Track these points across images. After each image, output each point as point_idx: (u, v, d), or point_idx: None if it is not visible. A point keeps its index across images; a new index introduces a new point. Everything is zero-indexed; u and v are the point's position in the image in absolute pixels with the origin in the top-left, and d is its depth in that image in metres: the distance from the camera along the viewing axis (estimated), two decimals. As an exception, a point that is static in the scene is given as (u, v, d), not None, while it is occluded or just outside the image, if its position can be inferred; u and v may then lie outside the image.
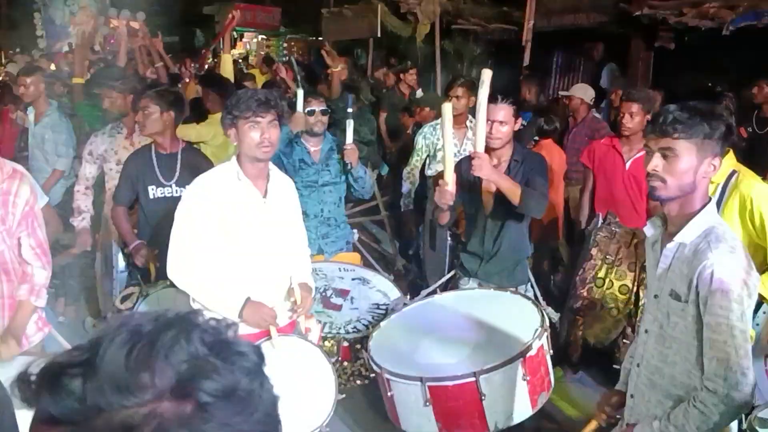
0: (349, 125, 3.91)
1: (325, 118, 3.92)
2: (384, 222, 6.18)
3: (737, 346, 1.79)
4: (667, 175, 1.87)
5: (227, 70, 5.37)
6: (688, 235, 1.92)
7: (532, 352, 2.55)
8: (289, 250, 2.84)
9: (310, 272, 2.94)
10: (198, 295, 2.66)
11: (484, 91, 2.98)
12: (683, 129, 1.84)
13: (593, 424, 2.31)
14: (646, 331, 2.08)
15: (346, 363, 3.26)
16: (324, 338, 3.27)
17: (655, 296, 2.03)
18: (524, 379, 2.52)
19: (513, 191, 3.04)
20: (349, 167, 3.88)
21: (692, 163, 1.86)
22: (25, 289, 2.61)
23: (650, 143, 1.91)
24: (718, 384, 1.80)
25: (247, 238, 2.65)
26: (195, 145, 4.25)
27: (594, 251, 4.04)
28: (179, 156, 3.59)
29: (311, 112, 3.87)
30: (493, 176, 3.04)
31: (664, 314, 1.99)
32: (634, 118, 4.10)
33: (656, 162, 1.88)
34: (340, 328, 3.36)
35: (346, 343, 3.27)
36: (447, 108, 3.00)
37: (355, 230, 4.30)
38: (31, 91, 4.99)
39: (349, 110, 3.97)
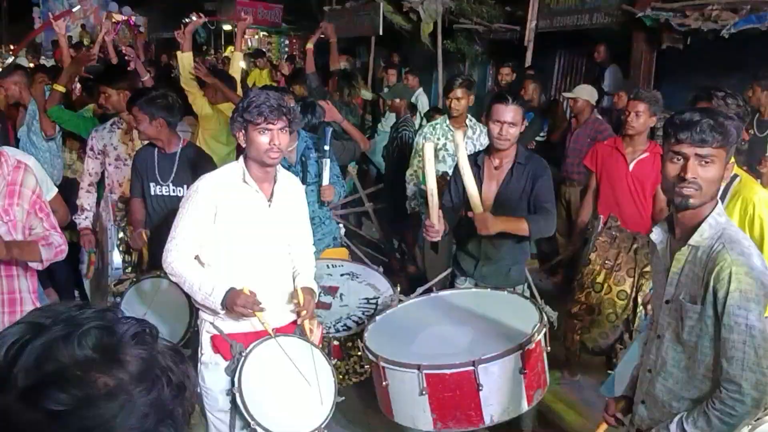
0: (326, 165, 3.82)
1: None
2: (369, 213, 6.16)
3: (756, 346, 1.81)
4: (703, 182, 1.90)
5: (236, 69, 5.37)
6: (701, 237, 1.93)
7: (530, 346, 2.54)
8: (291, 253, 2.82)
9: (313, 273, 2.92)
10: (186, 287, 2.64)
11: (462, 154, 3.09)
12: (722, 137, 1.87)
13: (603, 427, 2.31)
14: (658, 337, 2.07)
15: (338, 362, 3.24)
16: None
17: (667, 301, 2.02)
18: (521, 373, 2.50)
19: (521, 229, 3.11)
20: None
21: (722, 169, 1.92)
22: (40, 235, 2.59)
23: (685, 150, 1.89)
24: (738, 385, 1.82)
25: (249, 240, 2.63)
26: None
27: (593, 256, 4.03)
28: (177, 156, 3.64)
29: None
30: (499, 228, 3.08)
31: (677, 318, 1.99)
32: (640, 117, 4.07)
33: (696, 170, 1.89)
34: (330, 327, 3.32)
35: (336, 342, 3.25)
36: (428, 147, 3.00)
37: (341, 224, 4.27)
38: (13, 91, 4.93)
39: (326, 147, 3.83)
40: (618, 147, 4.30)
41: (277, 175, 2.69)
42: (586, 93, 5.78)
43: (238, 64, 5.40)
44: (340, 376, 3.25)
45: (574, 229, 4.86)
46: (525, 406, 2.59)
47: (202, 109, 4.99)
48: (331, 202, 3.94)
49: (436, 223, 3.03)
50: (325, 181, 3.83)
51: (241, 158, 2.68)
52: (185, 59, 5.00)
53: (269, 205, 2.65)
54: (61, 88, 4.87)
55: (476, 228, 3.07)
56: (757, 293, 1.81)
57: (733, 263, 1.83)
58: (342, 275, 3.76)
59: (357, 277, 3.75)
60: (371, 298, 3.55)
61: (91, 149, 4.32)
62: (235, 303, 2.55)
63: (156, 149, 3.66)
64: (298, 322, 2.73)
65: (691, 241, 1.94)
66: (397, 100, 5.82)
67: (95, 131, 4.36)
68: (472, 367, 2.42)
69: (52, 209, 3.09)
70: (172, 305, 3.19)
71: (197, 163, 3.60)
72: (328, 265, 3.79)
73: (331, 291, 3.63)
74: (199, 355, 2.74)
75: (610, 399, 2.32)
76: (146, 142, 3.89)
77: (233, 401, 2.55)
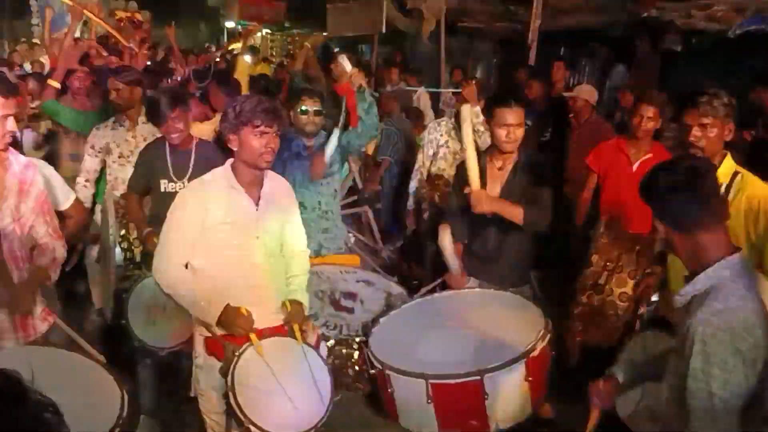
0: (334, 134, 3.80)
1: (318, 119, 3.83)
2: (366, 213, 6.16)
3: (715, 418, 1.64)
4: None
5: (241, 71, 5.30)
6: (692, 288, 1.80)
7: (535, 353, 2.54)
8: (284, 254, 2.81)
9: (305, 279, 2.89)
10: (180, 299, 2.64)
11: (467, 127, 3.07)
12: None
13: (595, 414, 2.26)
14: None
15: (365, 366, 3.16)
16: (342, 340, 3.24)
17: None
18: (526, 380, 2.51)
19: (515, 215, 3.13)
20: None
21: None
22: (47, 259, 2.61)
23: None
24: None
25: (238, 244, 2.62)
26: None
27: (595, 258, 4.01)
28: (193, 152, 3.57)
29: (304, 112, 3.79)
30: (494, 207, 3.11)
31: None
32: (651, 121, 4.06)
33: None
34: (358, 330, 3.29)
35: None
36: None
37: (350, 233, 4.24)
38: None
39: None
40: (621, 147, 4.28)
41: (264, 178, 2.68)
42: (585, 92, 5.74)
43: (243, 67, 5.32)
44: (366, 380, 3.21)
45: (575, 230, 4.86)
46: (530, 412, 2.60)
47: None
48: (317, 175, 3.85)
49: (458, 272, 3.18)
50: (328, 154, 3.76)
51: (227, 163, 2.66)
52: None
53: (257, 209, 2.64)
54: (55, 84, 4.85)
55: (471, 204, 3.09)
56: (724, 358, 1.63)
57: (701, 322, 1.67)
58: (357, 282, 3.72)
59: (373, 285, 3.71)
60: (389, 306, 3.49)
61: (92, 147, 4.30)
62: (234, 323, 2.56)
63: (167, 145, 3.57)
64: (285, 328, 2.72)
65: (681, 291, 1.82)
66: (391, 101, 5.90)
67: (96, 129, 4.34)
68: (478, 377, 2.42)
69: (69, 215, 3.09)
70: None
71: (214, 160, 3.46)
72: (341, 271, 3.75)
73: (351, 296, 3.60)
74: (194, 357, 2.74)
75: (594, 383, 2.24)
76: (148, 138, 3.82)
77: (228, 402, 2.54)
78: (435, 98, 8.60)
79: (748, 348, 1.64)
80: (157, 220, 3.50)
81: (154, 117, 3.52)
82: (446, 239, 3.08)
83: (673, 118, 3.67)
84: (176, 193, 3.41)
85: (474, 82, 4.74)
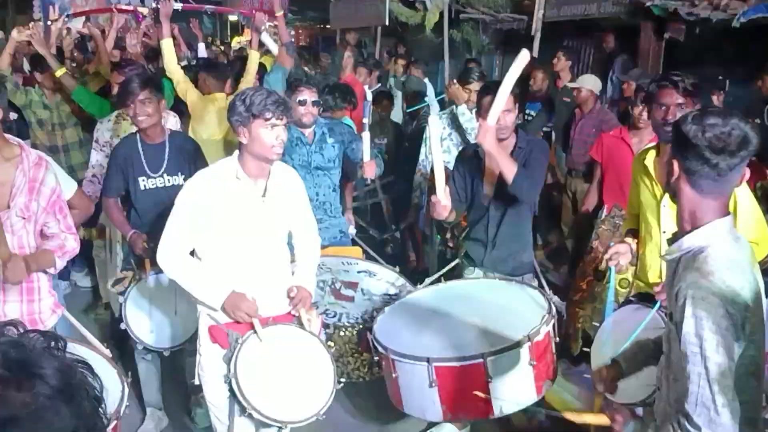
0: (366, 138, 3.74)
1: (316, 110, 3.80)
2: (381, 204, 6.17)
3: (711, 380, 1.62)
4: None
5: (251, 69, 5.24)
6: (678, 248, 1.79)
7: (539, 337, 2.55)
8: (295, 242, 2.83)
9: (314, 267, 2.90)
10: (184, 284, 2.67)
11: (516, 68, 2.93)
12: None
13: (598, 400, 2.26)
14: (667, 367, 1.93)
15: (365, 354, 3.22)
16: (341, 327, 3.26)
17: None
18: (530, 364, 2.51)
19: (509, 168, 3.03)
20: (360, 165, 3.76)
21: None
22: (55, 244, 2.62)
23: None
24: (694, 418, 1.66)
25: (243, 234, 2.64)
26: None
27: (596, 244, 4.02)
28: (166, 145, 3.45)
29: (302, 102, 3.75)
30: (494, 148, 3.00)
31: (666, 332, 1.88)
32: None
33: None
34: (357, 318, 3.31)
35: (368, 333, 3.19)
36: (433, 121, 3.01)
37: (351, 224, 4.23)
38: None
39: (366, 121, 3.76)
40: (624, 137, 4.30)
41: (271, 170, 2.68)
42: (590, 83, 5.72)
43: (254, 65, 5.26)
44: (365, 369, 3.21)
45: (579, 219, 4.87)
46: (534, 397, 2.60)
47: (189, 96, 4.77)
48: (371, 178, 3.85)
49: (442, 198, 2.99)
50: (366, 156, 3.75)
51: (235, 153, 2.66)
52: (165, 47, 4.74)
53: (263, 201, 2.65)
54: (63, 70, 4.83)
55: (477, 135, 3.03)
56: (716, 321, 1.61)
57: (691, 285, 1.65)
58: (359, 272, 3.70)
59: (374, 275, 3.69)
60: (393, 295, 3.51)
61: (96, 141, 4.30)
62: (239, 308, 2.59)
63: (139, 140, 3.45)
64: (292, 312, 2.75)
65: (665, 252, 1.81)
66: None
67: (100, 123, 4.36)
68: (481, 360, 2.43)
69: (73, 206, 3.01)
70: (181, 300, 3.17)
71: (188, 150, 3.49)
72: (343, 262, 3.73)
73: (352, 286, 3.61)
74: (198, 345, 2.77)
75: (601, 367, 2.19)
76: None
77: (231, 389, 2.57)
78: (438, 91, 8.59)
79: (738, 311, 1.63)
80: (143, 219, 3.45)
81: (123, 97, 3.37)
82: (434, 124, 2.97)
83: (645, 99, 3.67)
84: (157, 188, 3.41)
85: (457, 80, 4.71)
